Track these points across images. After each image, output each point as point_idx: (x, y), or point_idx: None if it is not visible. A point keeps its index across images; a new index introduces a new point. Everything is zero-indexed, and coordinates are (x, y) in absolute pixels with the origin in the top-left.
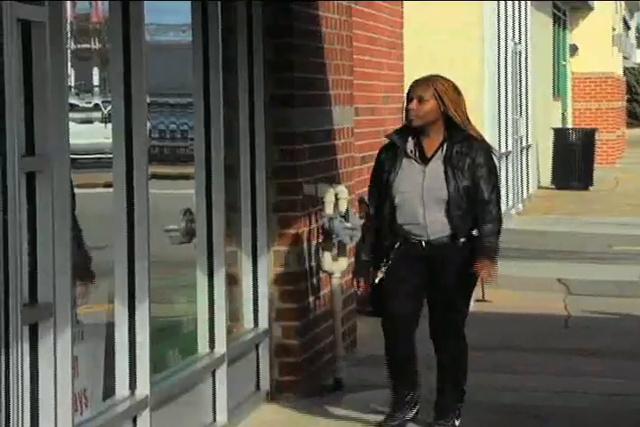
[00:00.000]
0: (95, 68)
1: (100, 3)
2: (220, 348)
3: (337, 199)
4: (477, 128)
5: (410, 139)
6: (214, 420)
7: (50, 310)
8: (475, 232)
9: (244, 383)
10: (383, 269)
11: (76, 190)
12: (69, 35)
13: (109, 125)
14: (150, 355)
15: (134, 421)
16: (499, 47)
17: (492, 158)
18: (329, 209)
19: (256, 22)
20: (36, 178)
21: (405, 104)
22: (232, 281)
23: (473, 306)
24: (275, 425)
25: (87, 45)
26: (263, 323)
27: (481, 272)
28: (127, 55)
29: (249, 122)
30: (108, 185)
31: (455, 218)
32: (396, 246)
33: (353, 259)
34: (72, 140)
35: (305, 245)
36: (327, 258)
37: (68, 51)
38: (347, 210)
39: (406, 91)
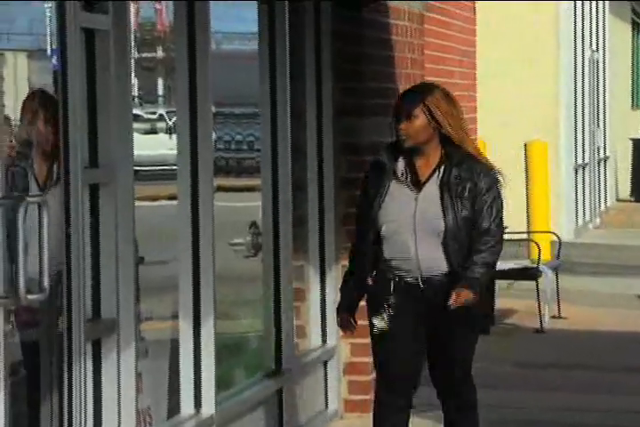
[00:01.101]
0: (159, 78)
1: (164, 11)
2: (287, 365)
3: None
4: (479, 145)
5: (401, 158)
6: None
7: (113, 326)
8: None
9: (312, 402)
10: (385, 316)
11: (139, 203)
12: (133, 44)
13: (174, 136)
14: (216, 372)
15: None
16: (575, 55)
17: (497, 182)
18: None
19: (324, 31)
20: (100, 190)
21: (394, 122)
22: (299, 296)
23: (547, 322)
24: None
25: (151, 54)
26: (331, 340)
27: (453, 304)
28: (192, 64)
29: (316, 132)
30: (172, 197)
31: (453, 253)
32: (393, 287)
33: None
34: (136, 152)
35: None
36: None
37: (132, 60)
38: None
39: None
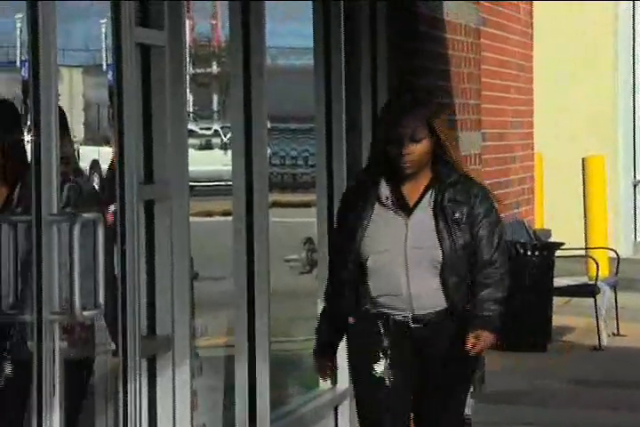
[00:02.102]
0: (214, 94)
1: (219, 26)
2: (343, 383)
3: None
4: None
5: (383, 181)
6: None
7: (168, 343)
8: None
9: None
10: (382, 361)
11: (194, 219)
12: (188, 59)
13: (229, 152)
14: (270, 389)
15: None
16: (634, 56)
17: (494, 206)
18: None
19: (380, 45)
20: (155, 206)
21: (387, 146)
22: None
23: (605, 340)
24: None
25: (206, 70)
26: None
27: (472, 349)
28: (247, 80)
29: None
30: (226, 213)
31: (452, 287)
32: (382, 328)
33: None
34: (190, 167)
35: None
36: None
37: (187, 75)
38: None
39: (378, 124)
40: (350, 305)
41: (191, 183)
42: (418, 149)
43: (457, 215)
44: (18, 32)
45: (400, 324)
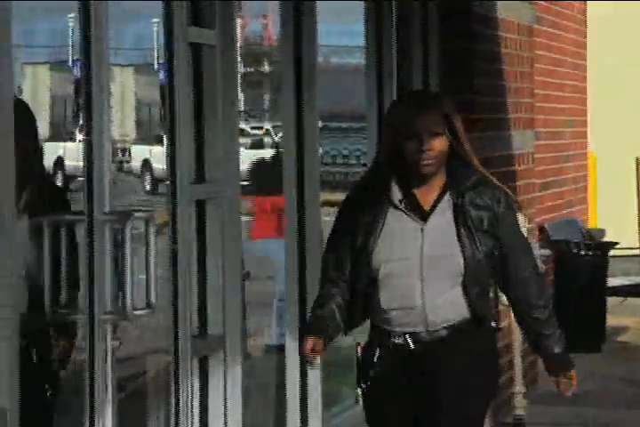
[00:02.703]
0: (266, 93)
1: (271, 25)
2: None
3: None
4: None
5: (394, 183)
6: None
7: (220, 343)
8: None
9: None
10: (362, 385)
11: (244, 217)
12: (240, 58)
13: (280, 151)
14: (322, 389)
15: None
16: None
17: (516, 214)
18: None
19: (432, 43)
20: (206, 205)
21: (404, 142)
22: None
23: None
24: None
25: (257, 69)
26: None
27: (567, 392)
28: (298, 79)
29: None
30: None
31: (475, 297)
32: (377, 353)
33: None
34: (241, 167)
35: None
36: None
37: (239, 74)
38: None
39: (390, 120)
40: (357, 320)
41: (242, 182)
42: (438, 145)
43: (478, 220)
44: (70, 32)
45: (414, 338)
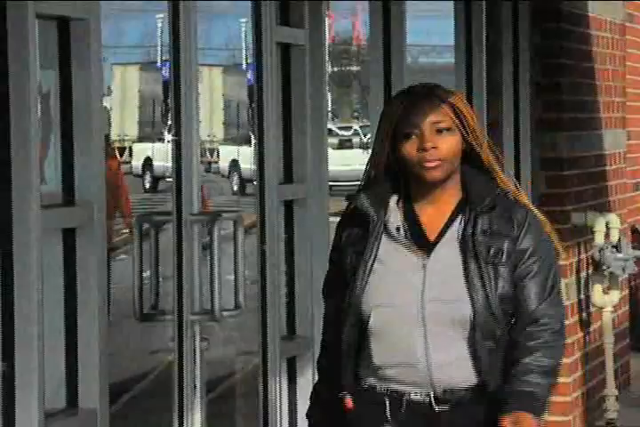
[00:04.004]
0: (354, 93)
1: (359, 24)
2: None
3: (608, 228)
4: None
5: (393, 203)
6: None
7: (308, 344)
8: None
9: None
10: None
11: (333, 218)
12: (328, 58)
13: (369, 151)
14: None
15: None
16: None
17: (547, 239)
18: (599, 239)
19: (523, 43)
20: (294, 206)
21: (401, 143)
22: None
23: None
24: None
25: (346, 68)
26: None
27: None
28: (387, 78)
29: (514, 147)
30: None
31: (485, 356)
32: (388, 411)
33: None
34: (330, 167)
35: (574, 276)
36: (597, 291)
37: (327, 74)
38: (619, 240)
39: (383, 118)
40: (347, 379)
41: (330, 183)
42: (446, 143)
43: (493, 253)
44: (159, 32)
45: (415, 406)
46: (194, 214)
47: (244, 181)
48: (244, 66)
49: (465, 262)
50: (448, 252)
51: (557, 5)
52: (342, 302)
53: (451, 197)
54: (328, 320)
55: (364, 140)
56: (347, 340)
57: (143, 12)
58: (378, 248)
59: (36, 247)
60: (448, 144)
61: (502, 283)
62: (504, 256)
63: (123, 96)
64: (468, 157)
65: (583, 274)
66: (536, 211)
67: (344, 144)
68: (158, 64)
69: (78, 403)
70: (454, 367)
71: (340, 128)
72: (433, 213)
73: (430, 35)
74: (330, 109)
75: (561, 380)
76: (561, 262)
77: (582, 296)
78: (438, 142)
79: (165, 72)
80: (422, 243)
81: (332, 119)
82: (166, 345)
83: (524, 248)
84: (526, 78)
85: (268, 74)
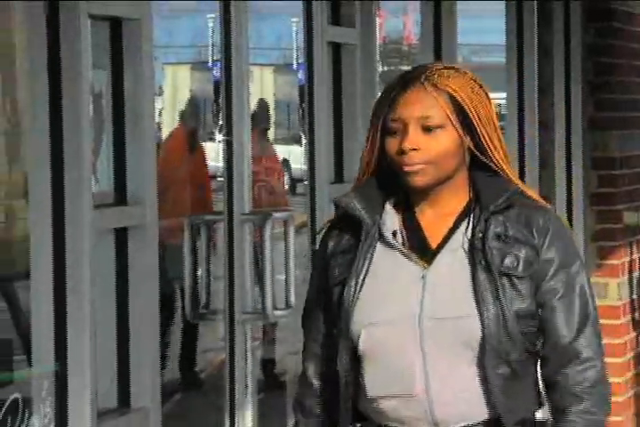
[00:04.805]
0: None
1: (410, 24)
2: None
3: None
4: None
5: (388, 206)
6: None
7: None
8: (541, 414)
9: None
10: None
11: None
12: (378, 57)
13: None
14: None
15: None
16: None
17: (575, 248)
18: None
19: (574, 42)
20: None
21: (384, 138)
22: None
23: None
24: None
25: (397, 68)
26: None
27: None
28: None
29: (565, 146)
30: None
31: (498, 384)
32: None
33: None
34: None
35: (626, 276)
36: None
37: (378, 73)
38: None
39: (374, 106)
40: (345, 417)
41: None
42: (434, 143)
43: (510, 261)
44: (210, 32)
45: None
46: (245, 214)
47: (294, 181)
48: (294, 65)
49: (473, 272)
50: (453, 260)
51: (609, 4)
52: (331, 325)
53: (456, 197)
54: (313, 352)
55: None
56: (343, 368)
57: (194, 12)
58: (372, 257)
59: (89, 247)
60: (437, 145)
61: (520, 297)
62: (522, 266)
63: (173, 96)
64: (476, 152)
65: (636, 274)
66: (557, 214)
67: None
68: (209, 64)
69: (130, 402)
70: (461, 400)
71: None
72: (435, 217)
73: (481, 34)
74: None
75: (615, 379)
76: (612, 262)
77: (635, 296)
78: (424, 143)
79: (216, 72)
80: (423, 250)
81: None
82: (218, 344)
83: (549, 259)
84: (578, 77)
85: (319, 73)
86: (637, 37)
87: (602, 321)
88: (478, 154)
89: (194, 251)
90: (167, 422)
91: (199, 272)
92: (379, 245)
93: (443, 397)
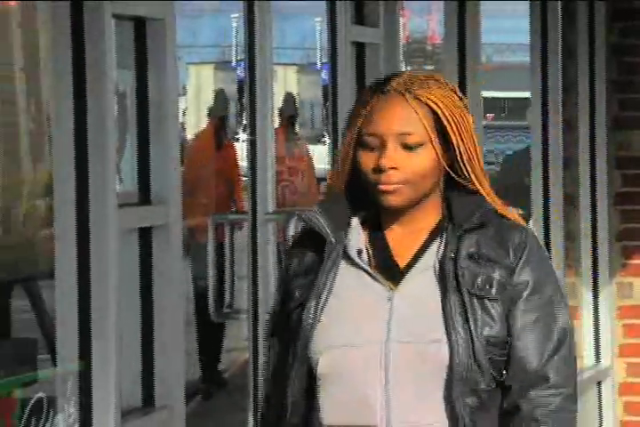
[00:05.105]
0: None
1: (434, 23)
2: (606, 360)
3: None
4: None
5: (355, 223)
6: None
7: None
8: None
9: (585, 422)
10: None
11: None
12: (402, 57)
13: None
14: None
15: None
16: None
17: (552, 270)
18: None
19: (598, 42)
20: None
21: (358, 154)
22: (572, 314)
23: None
24: None
25: (421, 67)
26: (605, 359)
27: None
28: (462, 77)
29: (589, 145)
30: None
31: (466, 414)
32: None
33: None
34: None
35: None
36: None
37: None
38: None
39: (352, 110)
40: None
41: None
42: (413, 162)
43: (481, 283)
44: (234, 32)
45: None
46: (269, 213)
47: (318, 180)
48: (318, 65)
49: (443, 294)
50: (422, 281)
51: (632, 4)
52: (286, 349)
53: (429, 215)
54: (274, 369)
55: None
56: (293, 395)
57: (218, 12)
58: (334, 277)
59: (113, 246)
60: (417, 164)
61: (491, 322)
62: (495, 288)
63: (197, 95)
64: (453, 168)
65: None
66: (529, 227)
67: None
68: (233, 63)
69: (154, 401)
70: None
71: None
72: (405, 235)
73: (505, 33)
74: None
75: (638, 380)
76: (637, 262)
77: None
78: (402, 161)
79: (240, 71)
80: (390, 270)
81: None
82: (241, 344)
83: (523, 282)
84: (602, 77)
85: (343, 73)
86: None
87: (627, 321)
88: (456, 171)
89: (218, 250)
90: (191, 421)
91: (223, 271)
92: (343, 264)
93: (403, 423)
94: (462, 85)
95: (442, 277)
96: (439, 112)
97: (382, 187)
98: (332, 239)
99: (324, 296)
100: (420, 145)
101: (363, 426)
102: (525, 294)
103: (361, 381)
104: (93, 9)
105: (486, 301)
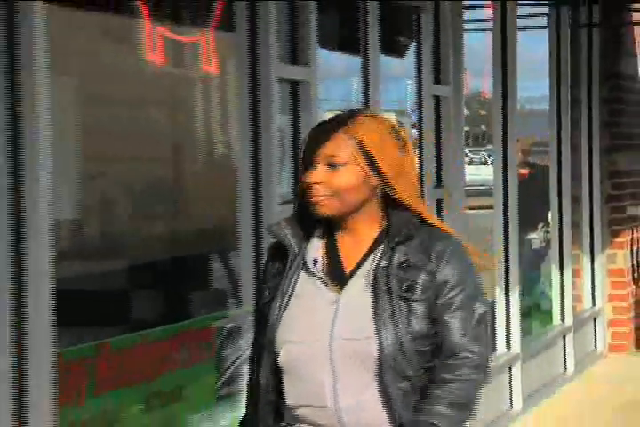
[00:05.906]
0: (482, 126)
1: (486, 82)
2: (568, 320)
3: None
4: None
5: (316, 235)
6: (565, 370)
7: None
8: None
9: (585, 345)
10: None
11: (469, 211)
12: (464, 105)
13: (491, 167)
14: (521, 325)
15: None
16: None
17: (470, 270)
18: None
19: (595, 95)
20: (443, 205)
21: (301, 173)
22: (576, 274)
23: None
24: (611, 374)
25: (477, 111)
26: (599, 303)
27: None
28: (505, 119)
29: (588, 163)
30: (489, 207)
31: (397, 398)
32: None
33: None
34: (468, 177)
35: (629, 249)
36: None
37: (463, 116)
38: None
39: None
40: (265, 421)
41: (466, 187)
42: (338, 178)
43: (406, 287)
44: (354, 89)
45: None
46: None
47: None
48: (409, 111)
49: (375, 297)
50: (361, 286)
51: (618, 69)
52: (261, 340)
53: (371, 226)
54: (252, 353)
55: (489, 160)
56: (263, 380)
57: (344, 77)
58: (296, 282)
59: None
60: (338, 180)
61: (416, 320)
62: (418, 291)
63: None
64: (385, 189)
65: (635, 247)
66: (459, 241)
67: (472, 161)
68: None
69: None
70: (365, 411)
71: (472, 152)
72: (352, 244)
73: (533, 89)
74: (470, 138)
75: (620, 317)
76: (620, 240)
77: (635, 262)
78: (326, 177)
79: None
80: (339, 276)
81: (469, 145)
82: None
83: (444, 280)
84: (597, 118)
85: (426, 117)
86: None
87: (613, 278)
88: (387, 190)
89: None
90: None
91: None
92: (302, 272)
93: (350, 409)
94: (504, 126)
95: (375, 283)
96: (364, 142)
97: (310, 199)
98: (295, 249)
99: (286, 298)
100: (344, 165)
101: (317, 406)
102: (447, 289)
103: (313, 371)
104: (264, 72)
105: (411, 302)
